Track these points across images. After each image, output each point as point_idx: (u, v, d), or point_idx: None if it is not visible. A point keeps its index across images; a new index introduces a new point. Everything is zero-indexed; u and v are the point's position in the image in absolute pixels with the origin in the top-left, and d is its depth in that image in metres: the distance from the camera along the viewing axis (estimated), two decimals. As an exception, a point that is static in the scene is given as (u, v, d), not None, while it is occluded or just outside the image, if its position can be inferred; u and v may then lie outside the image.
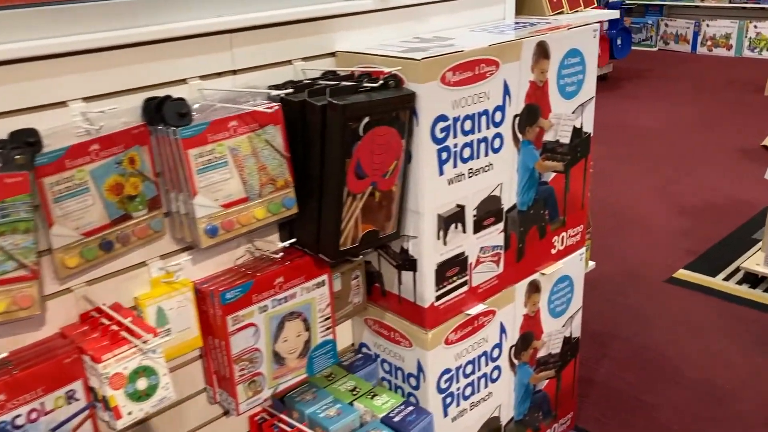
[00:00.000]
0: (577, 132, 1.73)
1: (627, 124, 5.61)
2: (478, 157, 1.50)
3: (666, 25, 8.71)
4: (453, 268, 1.53)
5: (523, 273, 1.73)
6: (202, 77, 1.29)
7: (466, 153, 1.47)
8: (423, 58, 1.33)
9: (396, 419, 1.51)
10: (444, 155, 1.42)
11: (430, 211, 1.44)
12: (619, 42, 6.90)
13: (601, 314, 2.88)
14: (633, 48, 7.60)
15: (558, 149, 1.70)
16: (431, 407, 1.58)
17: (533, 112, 1.60)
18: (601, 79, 7.24)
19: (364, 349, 1.71)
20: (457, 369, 1.62)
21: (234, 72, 1.34)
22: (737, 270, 3.17)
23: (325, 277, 1.47)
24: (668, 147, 5.03)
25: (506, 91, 1.51)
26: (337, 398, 1.54)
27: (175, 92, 1.23)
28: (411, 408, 1.54)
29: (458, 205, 1.50)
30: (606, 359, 2.58)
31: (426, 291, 1.50)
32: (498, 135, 1.53)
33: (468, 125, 1.45)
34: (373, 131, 1.30)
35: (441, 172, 1.43)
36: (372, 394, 1.58)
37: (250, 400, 1.40)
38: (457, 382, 1.63)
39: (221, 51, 1.30)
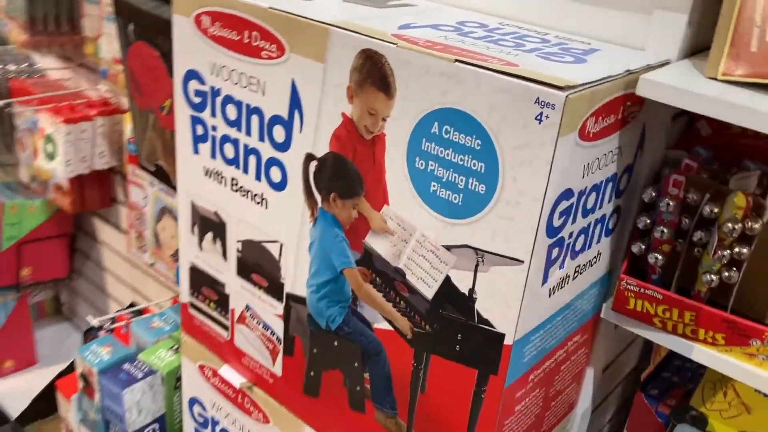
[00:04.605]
0: (456, 298, 0.77)
1: None
2: (245, 170, 0.97)
3: None
4: (209, 289, 1.12)
5: (314, 417, 1.02)
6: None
7: (228, 152, 0.99)
8: (177, -19, 0.97)
9: None
10: (199, 129, 1.02)
11: (183, 188, 1.09)
12: None
13: None
14: None
15: (400, 290, 0.82)
16: None
17: (347, 176, 0.84)
18: None
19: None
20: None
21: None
22: None
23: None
24: None
25: (295, 101, 0.87)
26: None
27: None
28: None
29: (216, 215, 1.05)
30: None
31: (183, 282, 1.18)
32: (274, 162, 0.92)
33: (231, 113, 0.96)
34: (137, 44, 1.10)
35: (195, 150, 1.04)
36: None
37: None
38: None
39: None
